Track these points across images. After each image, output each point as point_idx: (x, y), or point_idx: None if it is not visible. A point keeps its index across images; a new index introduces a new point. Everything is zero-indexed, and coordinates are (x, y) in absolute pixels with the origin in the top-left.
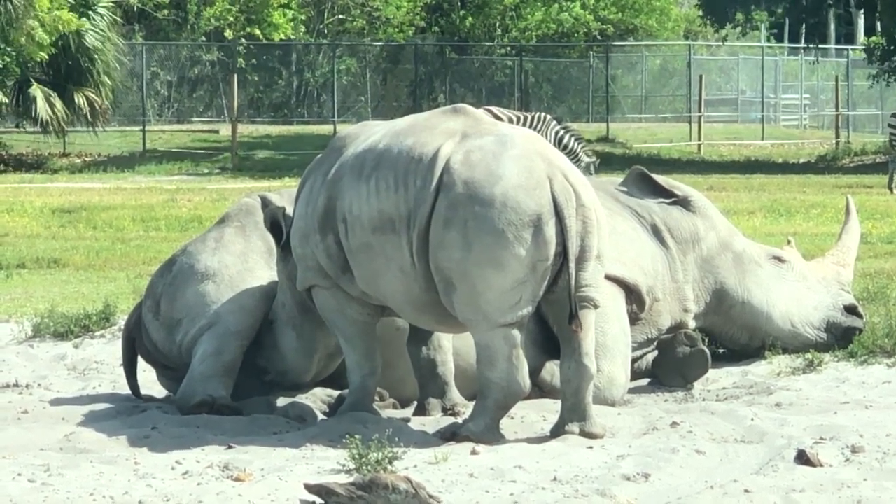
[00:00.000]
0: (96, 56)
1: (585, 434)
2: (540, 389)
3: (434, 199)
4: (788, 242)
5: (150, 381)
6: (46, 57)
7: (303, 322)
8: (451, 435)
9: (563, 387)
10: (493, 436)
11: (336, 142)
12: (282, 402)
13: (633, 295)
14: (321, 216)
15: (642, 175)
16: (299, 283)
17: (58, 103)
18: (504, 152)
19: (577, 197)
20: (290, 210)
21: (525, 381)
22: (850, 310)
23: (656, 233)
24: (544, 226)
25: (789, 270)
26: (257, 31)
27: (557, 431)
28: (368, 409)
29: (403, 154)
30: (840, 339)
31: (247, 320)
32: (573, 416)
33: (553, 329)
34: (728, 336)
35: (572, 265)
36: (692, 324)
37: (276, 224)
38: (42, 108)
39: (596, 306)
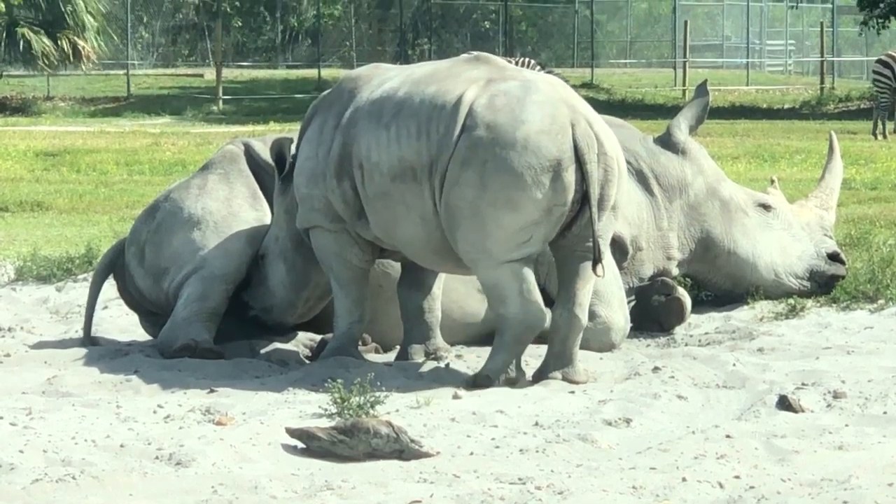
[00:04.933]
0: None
1: (568, 380)
2: None
3: (456, 144)
4: (772, 182)
5: (132, 325)
6: None
7: (295, 256)
8: (473, 383)
9: (552, 333)
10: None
11: (346, 83)
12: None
13: (615, 245)
14: (336, 162)
15: None
16: (299, 222)
17: (47, 42)
18: (528, 97)
19: (600, 145)
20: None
21: (542, 312)
22: (833, 257)
23: (642, 180)
24: (563, 171)
25: (775, 218)
26: None
27: (540, 376)
28: (351, 355)
29: (426, 102)
30: (823, 286)
31: (232, 264)
32: (558, 362)
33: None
34: (711, 283)
35: (595, 210)
36: (675, 271)
37: (281, 156)
38: (36, 45)
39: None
